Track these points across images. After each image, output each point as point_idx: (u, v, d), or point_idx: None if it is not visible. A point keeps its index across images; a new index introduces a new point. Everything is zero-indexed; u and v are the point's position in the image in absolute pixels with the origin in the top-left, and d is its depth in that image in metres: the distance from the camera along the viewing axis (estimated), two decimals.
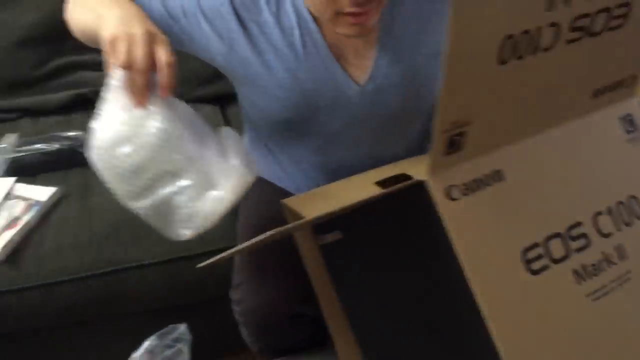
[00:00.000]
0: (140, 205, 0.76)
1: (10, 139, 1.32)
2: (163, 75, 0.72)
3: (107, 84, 0.74)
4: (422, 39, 0.89)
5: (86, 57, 1.52)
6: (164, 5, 0.86)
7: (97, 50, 1.72)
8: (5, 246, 1.12)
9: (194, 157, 0.74)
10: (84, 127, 1.36)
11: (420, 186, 0.64)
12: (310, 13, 0.85)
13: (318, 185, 0.84)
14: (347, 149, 0.98)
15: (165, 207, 0.75)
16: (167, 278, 1.18)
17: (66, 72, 1.50)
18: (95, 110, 0.76)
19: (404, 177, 0.71)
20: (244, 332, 1.04)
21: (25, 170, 1.28)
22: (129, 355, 0.96)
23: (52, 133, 1.35)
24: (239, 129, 0.99)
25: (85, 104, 1.49)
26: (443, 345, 0.74)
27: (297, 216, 0.76)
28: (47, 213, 1.20)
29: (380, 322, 0.83)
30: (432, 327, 0.75)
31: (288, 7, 0.86)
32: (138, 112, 0.72)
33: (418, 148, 1.03)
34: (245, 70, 0.89)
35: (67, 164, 1.31)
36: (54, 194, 1.23)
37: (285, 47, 0.86)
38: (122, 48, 0.70)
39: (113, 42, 0.71)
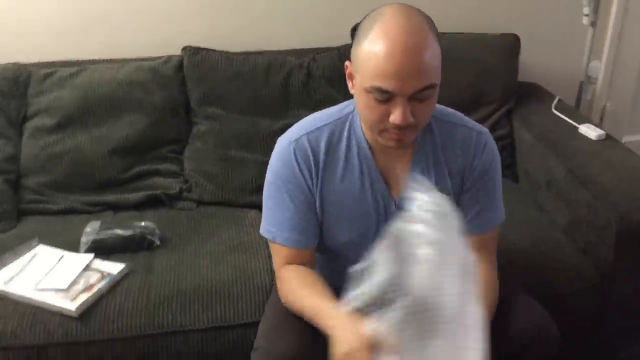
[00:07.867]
0: None
1: (95, 225, 1.64)
2: None
3: None
4: (441, 172, 1.19)
5: (161, 167, 1.88)
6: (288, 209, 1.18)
7: (171, 161, 2.10)
8: (80, 305, 1.39)
9: None
10: (153, 220, 1.68)
11: None
12: (368, 143, 1.17)
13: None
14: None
15: None
16: (207, 343, 1.40)
17: (145, 177, 1.86)
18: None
19: None
20: None
21: (102, 250, 1.58)
22: None
23: (128, 222, 1.66)
24: None
25: (156, 203, 1.83)
26: None
27: None
28: (116, 284, 1.48)
29: None
30: None
31: (353, 144, 1.18)
32: None
33: None
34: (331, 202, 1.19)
35: (138, 247, 1.60)
36: (123, 269, 1.51)
37: (351, 176, 1.18)
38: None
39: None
